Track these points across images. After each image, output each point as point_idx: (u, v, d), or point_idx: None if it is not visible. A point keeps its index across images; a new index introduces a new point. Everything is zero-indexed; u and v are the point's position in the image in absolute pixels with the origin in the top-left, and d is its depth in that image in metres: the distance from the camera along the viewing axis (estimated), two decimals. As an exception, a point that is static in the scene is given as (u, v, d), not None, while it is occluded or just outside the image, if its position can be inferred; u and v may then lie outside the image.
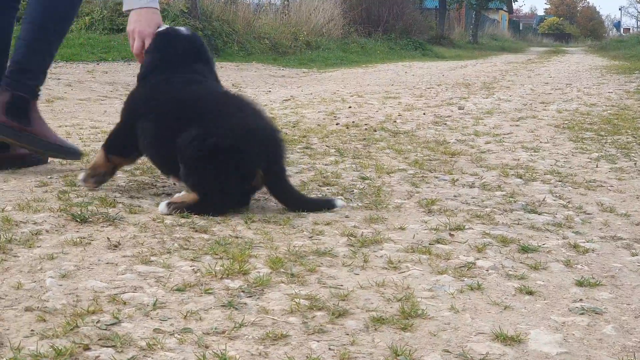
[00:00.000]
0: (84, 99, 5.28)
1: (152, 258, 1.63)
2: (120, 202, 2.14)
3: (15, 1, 2.75)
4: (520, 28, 68.76)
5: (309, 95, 6.49)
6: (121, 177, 2.53)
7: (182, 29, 2.41)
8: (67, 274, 1.50)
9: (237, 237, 1.83)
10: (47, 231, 1.81)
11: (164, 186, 2.42)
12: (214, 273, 1.53)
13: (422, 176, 2.73)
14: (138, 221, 1.95)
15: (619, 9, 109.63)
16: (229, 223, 1.97)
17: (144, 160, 2.84)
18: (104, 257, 1.62)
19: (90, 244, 1.72)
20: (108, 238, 1.76)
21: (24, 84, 2.55)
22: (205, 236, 1.84)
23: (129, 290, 1.43)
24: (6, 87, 2.53)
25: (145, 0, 2.42)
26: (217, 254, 1.68)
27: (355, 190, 2.45)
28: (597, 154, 3.30)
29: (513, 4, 49.44)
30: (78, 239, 1.74)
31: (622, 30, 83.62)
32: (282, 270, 1.58)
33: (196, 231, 1.88)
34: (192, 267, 1.58)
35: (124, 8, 2.44)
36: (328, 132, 3.92)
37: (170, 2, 12.36)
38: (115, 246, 1.71)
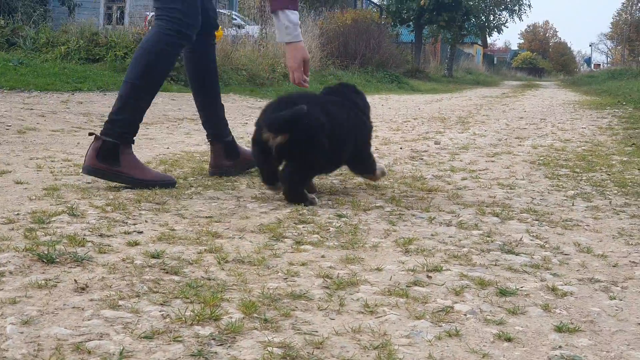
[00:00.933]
0: (57, 130, 5.21)
1: (120, 302, 1.57)
2: (89, 241, 2.08)
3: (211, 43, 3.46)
4: (495, 62, 69.64)
5: (285, 128, 6.46)
6: (92, 213, 2.47)
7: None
8: (30, 320, 1.44)
9: (209, 279, 1.78)
10: (10, 272, 1.75)
11: (135, 224, 2.36)
12: (183, 319, 1.48)
13: (399, 214, 2.70)
14: (107, 261, 1.89)
15: (590, 45, 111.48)
16: (201, 263, 1.92)
17: (116, 196, 2.79)
18: (69, 301, 1.56)
19: (56, 286, 1.66)
20: (75, 280, 1.70)
21: (114, 132, 3.01)
22: (176, 278, 1.78)
23: (95, 337, 1.37)
24: (99, 135, 3.02)
25: (289, 37, 3.05)
26: (187, 298, 1.62)
27: (331, 229, 2.41)
28: (572, 192, 3.29)
29: (487, 38, 50.00)
30: (43, 281, 1.68)
31: (592, 66, 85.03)
32: (255, 315, 1.53)
33: (167, 272, 1.83)
34: (162, 312, 1.52)
35: (277, 39, 3.16)
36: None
37: (148, 33, 12.34)
38: (83, 289, 1.65)
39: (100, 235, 2.18)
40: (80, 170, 3.15)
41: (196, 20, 3.13)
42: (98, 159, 2.98)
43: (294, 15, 3.06)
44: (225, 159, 3.51)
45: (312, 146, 2.74)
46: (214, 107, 3.54)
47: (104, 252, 1.99)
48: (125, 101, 3.05)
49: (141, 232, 2.24)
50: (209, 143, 3.57)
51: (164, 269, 1.85)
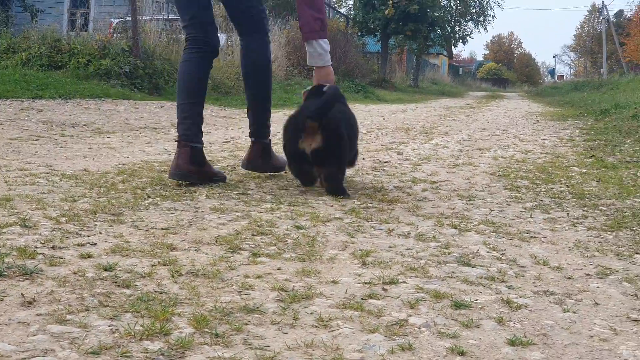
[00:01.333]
0: (14, 139, 5.13)
1: (69, 317, 1.54)
2: (40, 253, 2.04)
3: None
4: (460, 73, 70.30)
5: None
6: (45, 224, 2.42)
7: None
8: (-27, 336, 1.40)
9: (161, 293, 1.75)
10: (-43, 286, 1.71)
11: (89, 235, 2.32)
12: (133, 333, 1.45)
13: (358, 225, 2.70)
14: (57, 274, 1.85)
15: (553, 57, 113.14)
16: (154, 276, 1.89)
17: (71, 207, 2.75)
18: (15, 316, 1.53)
19: (2, 300, 1.62)
20: (22, 294, 1.66)
21: (197, 139, 3.58)
22: (128, 291, 1.75)
23: (39, 354, 1.34)
24: (185, 144, 3.49)
25: (322, 62, 3.57)
26: (138, 312, 1.60)
27: (289, 240, 2.39)
28: (531, 204, 3.31)
29: (453, 49, 50.43)
30: (-10, 295, 1.64)
31: (556, 77, 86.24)
32: (206, 329, 1.51)
33: (118, 286, 1.79)
34: (111, 327, 1.49)
35: (308, 62, 3.59)
36: (266, 177, 3.87)
37: (112, 40, 12.25)
38: (30, 303, 1.61)
39: (52, 247, 2.14)
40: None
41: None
42: (190, 165, 3.45)
43: (325, 43, 3.54)
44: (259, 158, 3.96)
45: (340, 143, 3.27)
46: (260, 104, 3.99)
47: (55, 265, 1.95)
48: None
49: (95, 244, 2.21)
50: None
51: (115, 282, 1.82)
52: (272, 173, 3.99)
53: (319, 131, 3.20)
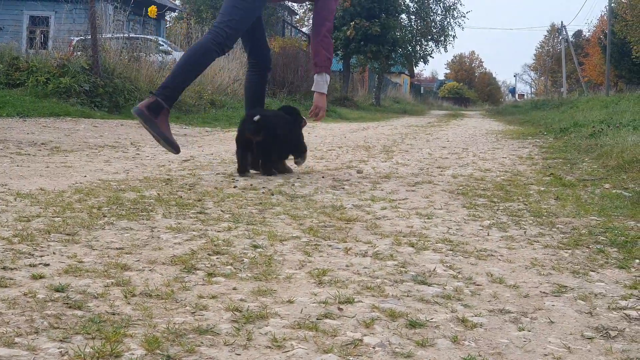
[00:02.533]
0: (-31, 157, 5.04)
1: (17, 339, 1.51)
2: (-10, 274, 2.00)
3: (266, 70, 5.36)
4: (422, 92, 70.99)
5: (210, 155, 6.42)
6: (-4, 245, 2.38)
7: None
8: None
9: (113, 314, 1.73)
10: None
11: (42, 256, 2.28)
12: (82, 356, 1.43)
13: (316, 244, 2.69)
14: (7, 296, 1.82)
15: (514, 76, 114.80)
16: (107, 297, 1.86)
17: (25, 226, 2.71)
18: (-39, 340, 1.49)
19: (-52, 323, 1.58)
20: (-31, 317, 1.63)
21: (161, 95, 4.59)
22: (79, 313, 1.72)
23: (-16, 378, 1.31)
24: (153, 95, 4.60)
25: (325, 89, 5.09)
26: (89, 334, 1.57)
27: (245, 260, 2.38)
28: (488, 222, 3.33)
29: (414, 68, 50.89)
30: None
31: (517, 96, 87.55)
32: (158, 351, 1.49)
33: (70, 307, 1.76)
34: (60, 350, 1.46)
35: (312, 88, 5.12)
36: (225, 196, 3.85)
37: (72, 58, 12.13)
38: (-23, 326, 1.58)
39: (3, 269, 2.10)
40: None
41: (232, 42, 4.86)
42: (148, 110, 4.47)
43: (328, 77, 5.09)
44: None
45: (274, 140, 4.80)
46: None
47: (5, 286, 1.91)
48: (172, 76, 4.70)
49: (47, 265, 2.17)
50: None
51: (67, 304, 1.79)
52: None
53: (261, 130, 4.68)
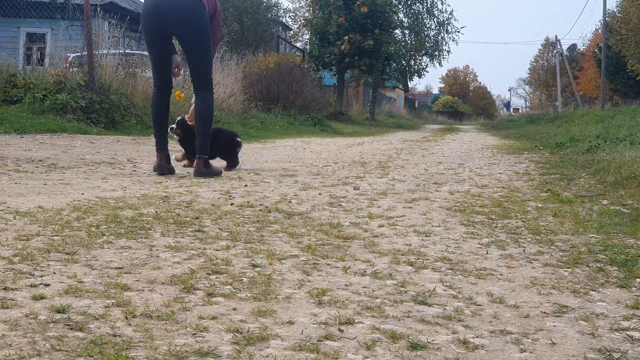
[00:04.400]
0: (-34, 175, 5.03)
1: (19, 362, 1.51)
2: (-9, 296, 2.00)
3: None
4: (416, 106, 71.18)
5: (206, 172, 6.42)
6: (-4, 265, 2.38)
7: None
8: None
9: (115, 335, 1.73)
10: None
11: (42, 276, 2.28)
12: (85, 380, 1.43)
13: (314, 263, 2.69)
14: (9, 317, 1.82)
15: (509, 90, 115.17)
16: (108, 318, 1.87)
17: (24, 245, 2.71)
18: (-37, 363, 1.49)
19: (-50, 346, 1.58)
20: (-29, 340, 1.62)
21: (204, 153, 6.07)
22: (81, 334, 1.72)
23: (-13, 403, 1.31)
24: (199, 155, 6.04)
25: None
26: (91, 356, 1.57)
27: (244, 279, 2.38)
28: (487, 240, 3.34)
29: (409, 82, 51.06)
30: (-63, 341, 1.60)
31: (512, 110, 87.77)
32: (160, 374, 1.49)
33: (71, 329, 1.76)
34: (62, 373, 1.47)
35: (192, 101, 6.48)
36: (222, 213, 3.85)
37: (68, 74, 12.14)
38: (-21, 349, 1.58)
39: (4, 289, 2.10)
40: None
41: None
42: (206, 168, 6.04)
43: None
44: (167, 163, 6.14)
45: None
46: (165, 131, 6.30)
47: (7, 307, 1.91)
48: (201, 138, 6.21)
49: (48, 285, 2.17)
50: (159, 151, 6.08)
51: (68, 325, 1.79)
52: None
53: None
